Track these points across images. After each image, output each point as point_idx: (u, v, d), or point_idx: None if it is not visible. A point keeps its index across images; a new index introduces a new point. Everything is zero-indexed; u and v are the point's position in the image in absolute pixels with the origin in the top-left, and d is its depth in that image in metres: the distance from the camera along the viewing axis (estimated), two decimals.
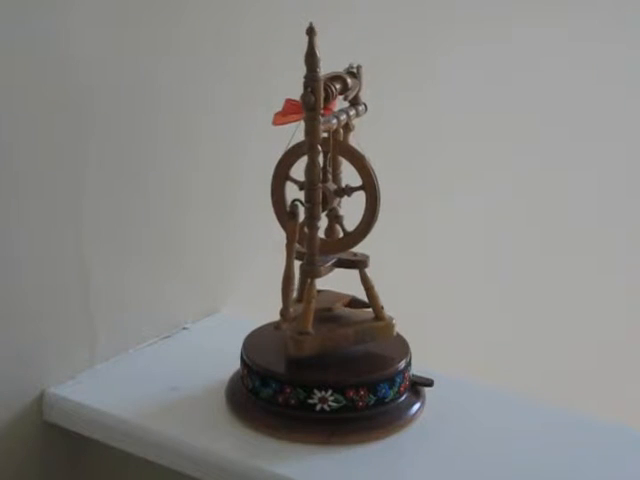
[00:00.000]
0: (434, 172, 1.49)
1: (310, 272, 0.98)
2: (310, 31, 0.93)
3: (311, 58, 0.93)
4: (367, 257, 1.01)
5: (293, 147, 0.99)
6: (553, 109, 1.67)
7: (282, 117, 0.96)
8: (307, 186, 0.96)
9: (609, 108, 1.78)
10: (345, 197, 1.00)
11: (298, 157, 0.99)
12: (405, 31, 1.40)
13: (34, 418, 1.05)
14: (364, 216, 0.99)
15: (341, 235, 1.01)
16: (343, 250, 1.01)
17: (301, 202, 0.97)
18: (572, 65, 1.69)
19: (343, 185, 1.00)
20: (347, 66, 1.01)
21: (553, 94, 1.66)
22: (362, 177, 0.98)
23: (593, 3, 1.72)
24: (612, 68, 1.77)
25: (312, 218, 0.97)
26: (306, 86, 0.93)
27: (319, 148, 0.95)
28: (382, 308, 1.02)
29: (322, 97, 0.94)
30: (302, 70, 0.94)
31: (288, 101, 0.97)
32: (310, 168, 0.96)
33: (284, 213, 1.00)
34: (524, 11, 1.57)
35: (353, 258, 1.01)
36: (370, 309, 1.02)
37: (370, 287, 1.01)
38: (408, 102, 1.42)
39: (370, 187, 0.98)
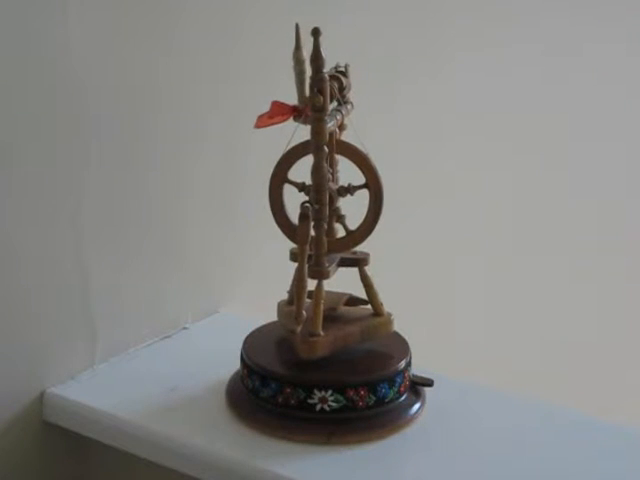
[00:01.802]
0: (435, 171, 1.49)
1: (319, 273, 0.98)
2: (315, 32, 0.92)
3: (317, 59, 0.92)
4: (368, 255, 1.01)
5: (292, 149, 0.99)
6: (553, 109, 1.67)
7: (268, 119, 0.96)
8: (315, 187, 0.96)
9: (609, 108, 1.78)
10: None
11: (297, 158, 0.99)
12: (406, 31, 1.40)
13: (34, 418, 1.05)
14: (367, 214, 0.99)
15: (342, 234, 1.01)
16: (347, 249, 1.00)
17: (310, 203, 0.96)
18: (572, 65, 1.70)
19: (341, 184, 1.00)
20: (334, 66, 1.00)
21: (553, 94, 1.67)
22: (366, 176, 0.98)
23: (593, 4, 1.72)
24: (612, 68, 1.77)
25: (320, 219, 0.96)
26: (312, 87, 0.93)
27: (326, 149, 0.95)
28: (381, 305, 1.02)
29: (329, 98, 0.94)
30: None
31: (275, 103, 0.96)
32: (317, 169, 0.95)
33: (282, 214, 1.00)
34: (525, 11, 1.57)
35: (354, 256, 1.01)
36: (367, 306, 1.02)
37: (370, 285, 1.01)
38: (409, 101, 1.42)
39: (374, 185, 0.98)
